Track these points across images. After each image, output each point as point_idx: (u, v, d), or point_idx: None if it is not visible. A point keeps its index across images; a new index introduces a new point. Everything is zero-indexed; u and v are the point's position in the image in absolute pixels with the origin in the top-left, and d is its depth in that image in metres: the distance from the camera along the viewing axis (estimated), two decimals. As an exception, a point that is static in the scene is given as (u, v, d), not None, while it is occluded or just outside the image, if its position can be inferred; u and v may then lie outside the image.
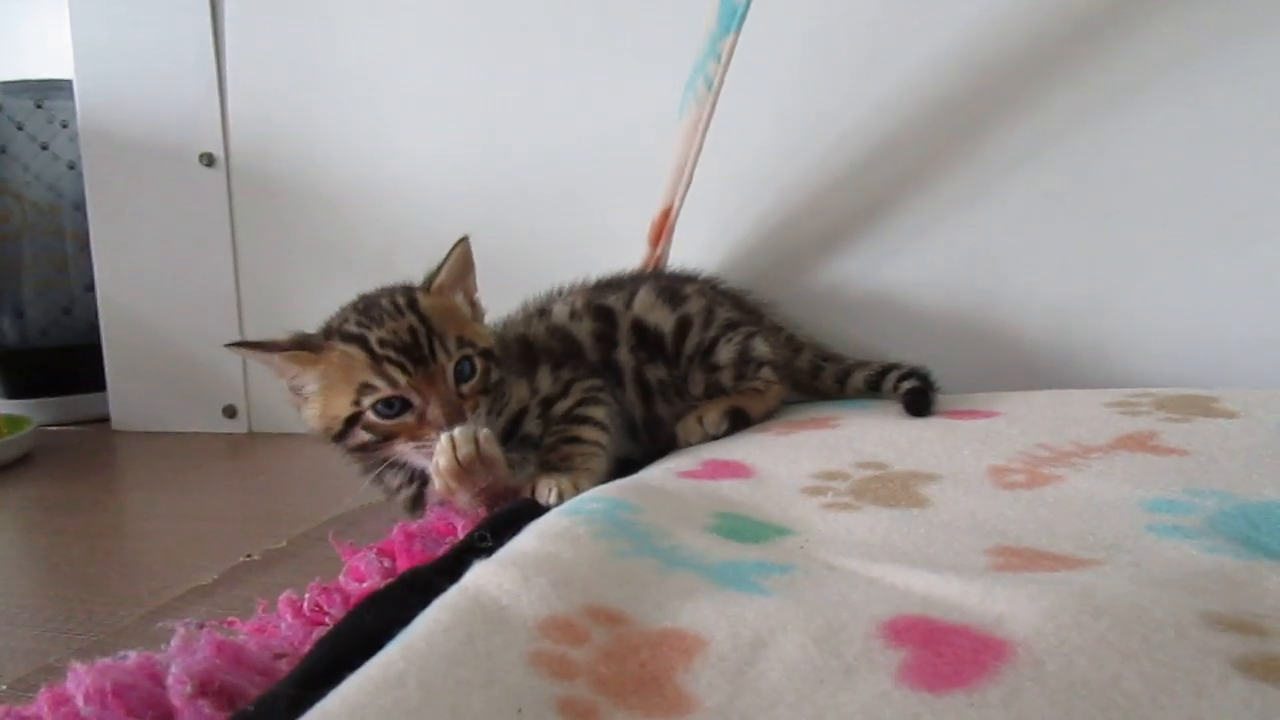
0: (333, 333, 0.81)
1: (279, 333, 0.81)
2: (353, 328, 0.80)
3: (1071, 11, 1.08)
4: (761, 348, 1.00)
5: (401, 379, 0.77)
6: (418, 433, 0.78)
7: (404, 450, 0.79)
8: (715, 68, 1.00)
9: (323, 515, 1.01)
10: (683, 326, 0.99)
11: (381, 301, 0.82)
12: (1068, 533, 0.60)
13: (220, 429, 1.55)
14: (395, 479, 0.86)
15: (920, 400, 0.93)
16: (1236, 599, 0.47)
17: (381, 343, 0.78)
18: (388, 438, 0.79)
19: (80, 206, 1.62)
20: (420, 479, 0.84)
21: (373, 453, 0.81)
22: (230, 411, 1.54)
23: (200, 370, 1.55)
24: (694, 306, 1.01)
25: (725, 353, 0.99)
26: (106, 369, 1.60)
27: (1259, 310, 1.04)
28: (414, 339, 0.78)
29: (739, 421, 0.96)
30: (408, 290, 0.84)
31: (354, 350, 0.78)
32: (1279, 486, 0.65)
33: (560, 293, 1.04)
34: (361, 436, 0.79)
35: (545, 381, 0.90)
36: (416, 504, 0.85)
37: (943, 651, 0.43)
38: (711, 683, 0.43)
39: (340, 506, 1.04)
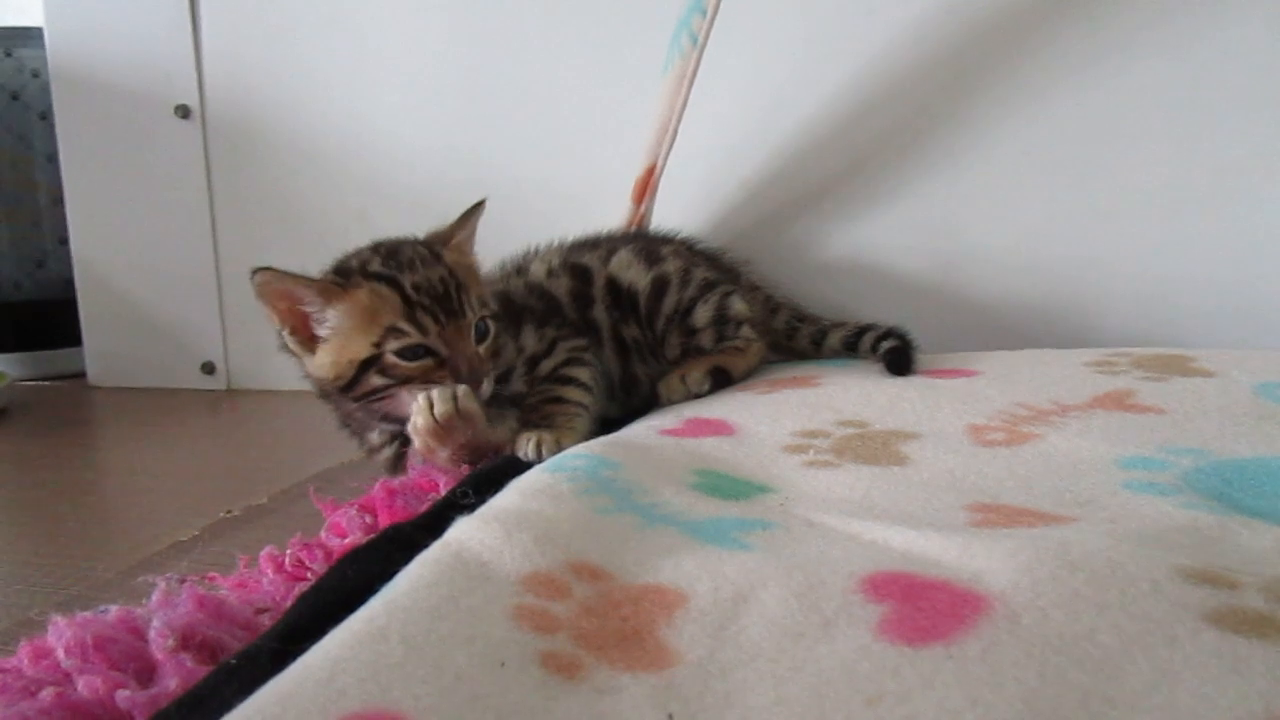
0: (353, 271, 0.79)
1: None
2: (381, 268, 0.78)
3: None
4: (739, 305, 1.00)
5: (433, 328, 0.76)
6: (433, 375, 0.77)
7: (409, 399, 0.77)
8: (700, 22, 0.98)
9: (303, 472, 1.01)
10: (659, 286, 0.99)
11: (404, 249, 0.80)
12: (1045, 490, 0.61)
13: (198, 385, 1.54)
14: (377, 437, 0.85)
15: (901, 359, 0.94)
16: (1209, 554, 0.48)
17: (416, 288, 0.76)
18: (402, 382, 0.77)
19: (52, 158, 1.59)
20: (402, 439, 0.83)
21: (377, 401, 0.79)
22: (209, 368, 1.53)
23: (178, 326, 1.54)
24: (671, 267, 1.00)
25: (703, 314, 0.98)
26: (82, 324, 1.58)
27: (1237, 269, 1.05)
28: (446, 290, 0.78)
29: (721, 380, 0.96)
30: (429, 243, 0.83)
31: (386, 291, 0.76)
32: (1252, 444, 0.66)
33: (536, 252, 1.03)
34: (373, 382, 0.77)
35: (530, 340, 0.90)
36: (398, 465, 0.85)
37: (921, 606, 0.43)
38: (693, 637, 0.43)
39: (321, 463, 1.04)
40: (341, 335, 0.77)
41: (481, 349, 0.79)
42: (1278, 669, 0.37)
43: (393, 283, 0.77)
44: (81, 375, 1.61)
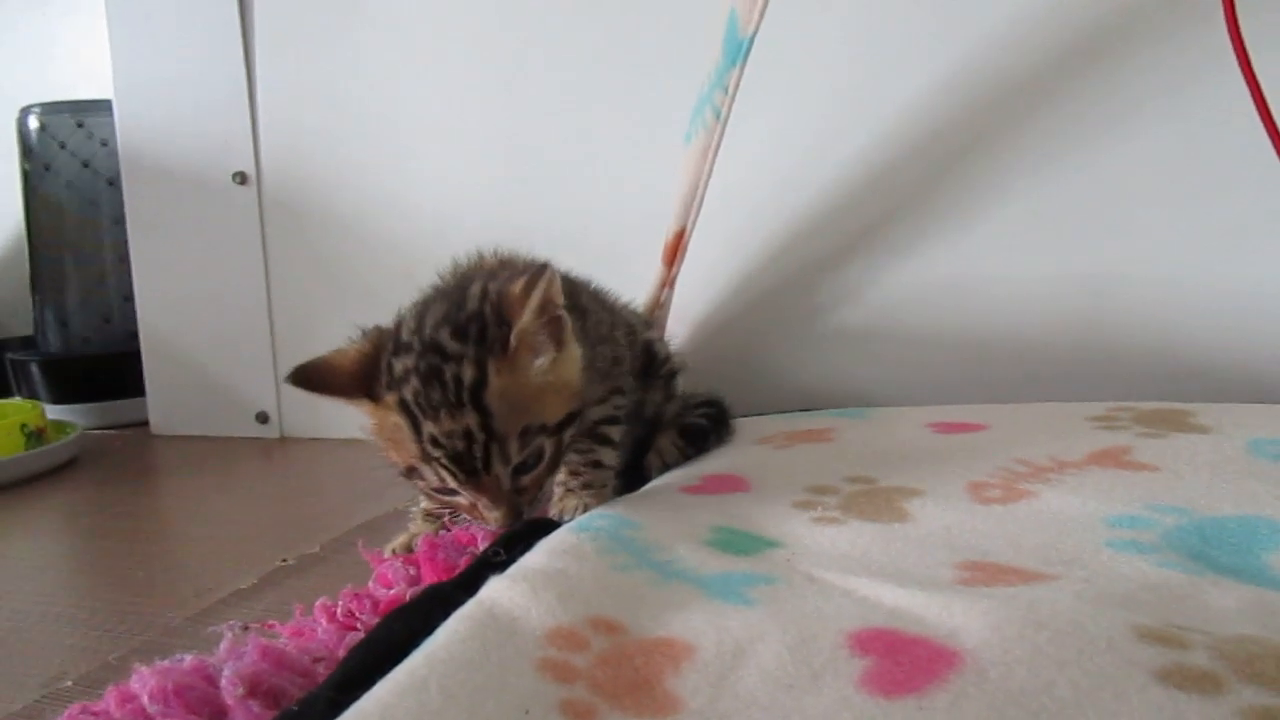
0: (393, 380, 0.70)
1: (321, 345, 0.75)
2: (409, 397, 0.69)
3: (1059, 44, 1.13)
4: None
5: (451, 481, 0.70)
6: (470, 512, 0.73)
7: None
8: (723, 98, 1.04)
9: (351, 521, 1.08)
10: (650, 346, 1.03)
11: (445, 374, 0.68)
12: (1033, 548, 0.65)
13: (253, 433, 1.62)
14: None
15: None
16: (1171, 613, 0.52)
17: (434, 441, 0.68)
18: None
19: (119, 221, 1.70)
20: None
21: None
22: (263, 418, 1.61)
23: (234, 378, 1.63)
24: (655, 334, 1.07)
25: (679, 382, 1.04)
26: (145, 376, 1.68)
27: (1237, 326, 1.08)
28: (468, 447, 0.68)
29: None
30: (480, 353, 0.68)
31: (406, 428, 0.69)
32: (1236, 503, 0.69)
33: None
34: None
35: (595, 389, 0.84)
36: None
37: (900, 660, 0.48)
38: (696, 686, 0.48)
39: (368, 512, 1.11)
40: (376, 435, 0.74)
41: (526, 479, 0.71)
42: (1212, 721, 0.41)
43: (413, 423, 0.69)
44: (144, 424, 1.71)
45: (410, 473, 0.73)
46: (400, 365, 0.70)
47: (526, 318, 0.69)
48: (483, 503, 0.70)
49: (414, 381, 0.69)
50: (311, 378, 0.72)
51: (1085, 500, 0.72)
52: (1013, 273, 1.18)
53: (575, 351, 0.74)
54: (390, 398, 0.70)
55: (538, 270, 0.70)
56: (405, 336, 0.72)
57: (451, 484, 0.70)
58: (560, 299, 0.72)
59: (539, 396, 0.71)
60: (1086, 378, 1.14)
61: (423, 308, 0.74)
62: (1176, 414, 0.92)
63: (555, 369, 0.72)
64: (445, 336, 0.70)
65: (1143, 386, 1.09)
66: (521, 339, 0.69)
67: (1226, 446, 0.81)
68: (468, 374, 0.68)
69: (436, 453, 0.68)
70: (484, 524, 0.73)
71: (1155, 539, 0.65)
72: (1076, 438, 0.88)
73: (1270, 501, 0.69)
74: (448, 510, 0.80)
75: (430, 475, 0.70)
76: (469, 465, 0.68)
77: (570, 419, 0.73)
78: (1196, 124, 1.08)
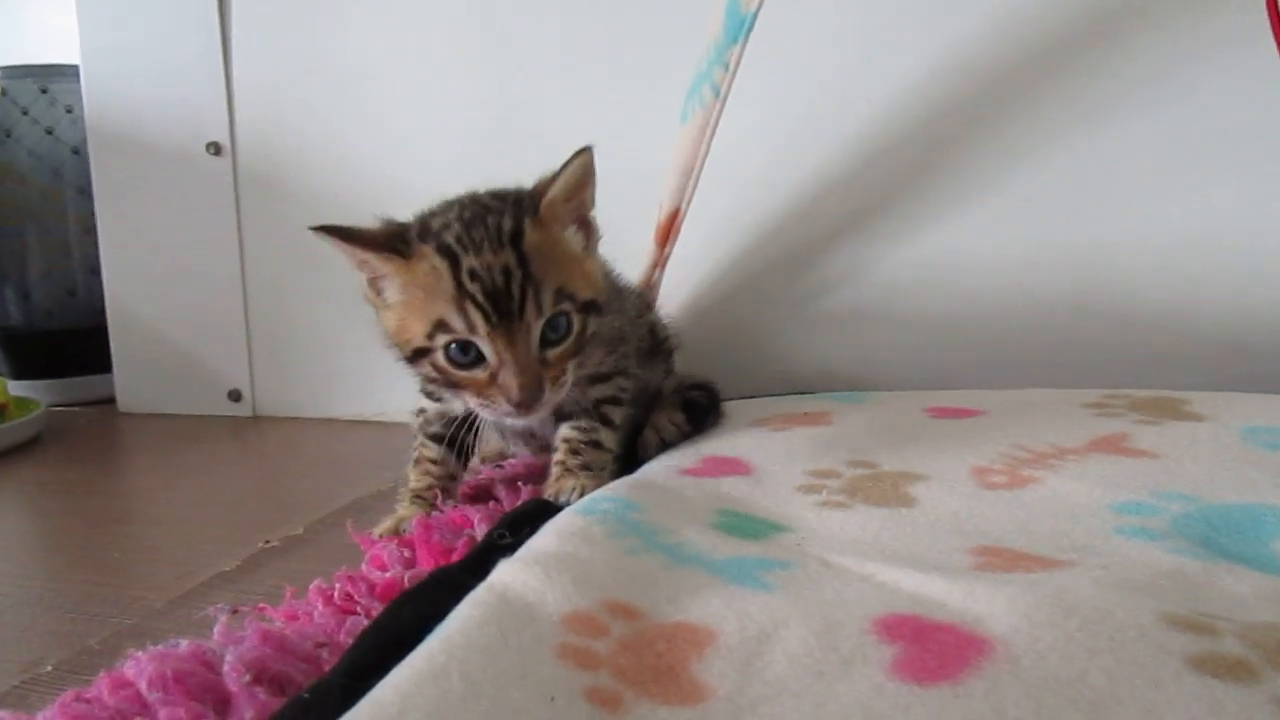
0: (429, 234, 0.73)
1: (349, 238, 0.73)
2: (450, 240, 0.71)
3: (1053, 26, 1.13)
4: None
5: (482, 326, 0.70)
6: (485, 392, 0.72)
7: (469, 400, 0.75)
8: (723, 75, 1.03)
9: (334, 501, 1.05)
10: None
11: (488, 220, 0.72)
12: (1044, 534, 0.65)
13: (225, 411, 1.58)
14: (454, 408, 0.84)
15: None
16: (1193, 600, 0.52)
17: (471, 274, 0.69)
18: (454, 385, 0.74)
19: (84, 191, 1.64)
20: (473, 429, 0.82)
21: (440, 387, 0.79)
22: (235, 395, 1.58)
23: (205, 354, 1.58)
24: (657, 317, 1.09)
25: (674, 363, 1.07)
26: (112, 352, 1.63)
27: (1223, 312, 1.09)
28: (506, 284, 0.69)
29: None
30: (518, 210, 0.73)
31: (443, 269, 0.70)
32: (1238, 490, 0.70)
33: None
34: (428, 372, 0.75)
35: (596, 355, 0.84)
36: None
37: (930, 647, 0.47)
38: (723, 673, 0.47)
39: (351, 492, 1.08)
40: (402, 308, 0.74)
41: (551, 354, 0.73)
42: (1251, 710, 0.41)
43: (452, 261, 0.70)
44: (111, 401, 1.66)
45: (420, 354, 0.73)
46: (438, 221, 0.74)
47: (557, 188, 0.74)
48: (507, 365, 0.70)
49: (456, 227, 0.72)
50: (338, 230, 0.73)
51: (1090, 487, 0.72)
52: (1006, 256, 1.17)
53: (598, 259, 0.79)
54: (426, 247, 0.72)
55: (576, 152, 0.75)
56: (438, 208, 0.77)
57: (481, 331, 0.70)
58: (592, 186, 0.77)
59: (569, 264, 0.74)
60: (1079, 359, 1.15)
61: (448, 199, 0.79)
62: (1171, 401, 0.92)
63: (581, 242, 0.77)
64: (486, 197, 0.76)
65: (1134, 370, 1.09)
66: (549, 208, 0.74)
67: (1224, 434, 0.82)
68: (507, 223, 0.72)
69: (473, 287, 0.69)
70: (500, 404, 0.72)
71: (1164, 526, 0.65)
72: (1074, 424, 0.88)
73: (1270, 489, 0.70)
74: (450, 393, 0.78)
75: (458, 322, 0.70)
76: (504, 305, 0.69)
77: (592, 306, 0.75)
78: (1181, 111, 1.09)
